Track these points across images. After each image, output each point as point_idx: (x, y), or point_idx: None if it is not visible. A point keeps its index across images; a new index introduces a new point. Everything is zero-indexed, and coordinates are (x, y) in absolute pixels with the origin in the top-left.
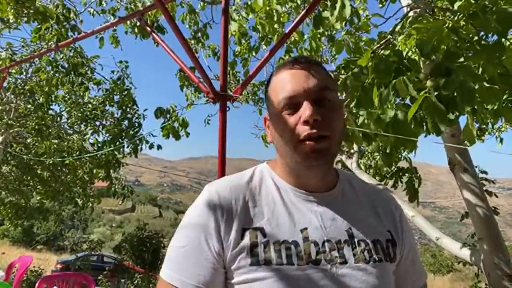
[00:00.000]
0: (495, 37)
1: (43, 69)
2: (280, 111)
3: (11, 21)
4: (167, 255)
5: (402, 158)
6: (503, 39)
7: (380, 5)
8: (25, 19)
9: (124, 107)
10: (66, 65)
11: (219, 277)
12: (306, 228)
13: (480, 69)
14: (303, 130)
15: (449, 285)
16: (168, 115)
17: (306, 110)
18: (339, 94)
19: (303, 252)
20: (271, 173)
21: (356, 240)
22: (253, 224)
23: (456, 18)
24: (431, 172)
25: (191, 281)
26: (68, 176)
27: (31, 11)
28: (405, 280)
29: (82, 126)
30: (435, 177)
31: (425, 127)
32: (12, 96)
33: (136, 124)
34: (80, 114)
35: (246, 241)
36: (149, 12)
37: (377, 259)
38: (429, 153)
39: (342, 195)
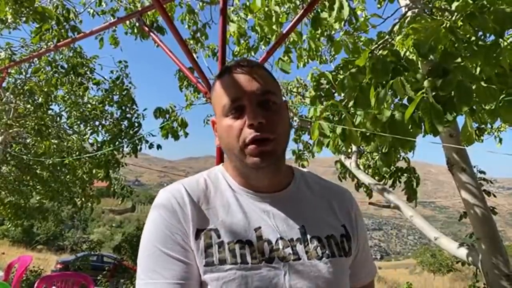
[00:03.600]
0: (493, 37)
1: (42, 69)
2: (226, 115)
3: (9, 21)
4: (139, 268)
5: (401, 158)
6: (500, 39)
7: (379, 6)
8: (24, 19)
9: (123, 107)
10: (66, 65)
11: (195, 271)
12: (259, 227)
13: (478, 69)
14: (249, 133)
15: (449, 285)
16: (167, 115)
17: (250, 113)
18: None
19: (256, 250)
20: (225, 175)
21: (308, 237)
22: (207, 226)
23: (454, 18)
24: (430, 172)
25: (173, 279)
26: (68, 176)
27: (30, 11)
28: (358, 273)
29: (82, 126)
30: (435, 177)
31: (423, 127)
32: (12, 96)
33: (136, 124)
34: (79, 114)
35: (201, 242)
36: (149, 13)
37: (330, 254)
38: (429, 153)
39: (297, 193)
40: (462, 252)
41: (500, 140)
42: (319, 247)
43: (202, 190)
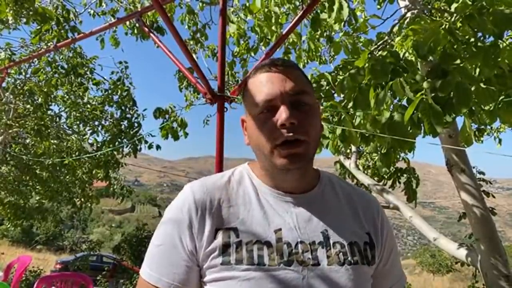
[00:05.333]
0: (492, 39)
1: (42, 69)
2: (258, 113)
3: (10, 21)
4: (146, 253)
5: (401, 158)
6: (499, 41)
7: (378, 6)
8: (24, 20)
9: (123, 107)
10: (66, 66)
11: (193, 275)
12: (280, 229)
13: (477, 70)
14: (280, 134)
15: (449, 285)
16: (167, 116)
17: (282, 113)
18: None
19: (275, 252)
20: (250, 174)
21: (331, 242)
22: (226, 224)
23: (453, 19)
24: (430, 172)
25: (166, 278)
26: (67, 177)
27: (30, 12)
28: (383, 282)
29: (81, 126)
30: (434, 177)
31: (422, 128)
32: (11, 97)
33: (136, 124)
34: (79, 115)
35: (219, 240)
36: (149, 13)
37: (352, 261)
38: (429, 153)
39: (322, 197)
40: (462, 253)
41: (500, 141)
42: (341, 253)
43: (225, 188)
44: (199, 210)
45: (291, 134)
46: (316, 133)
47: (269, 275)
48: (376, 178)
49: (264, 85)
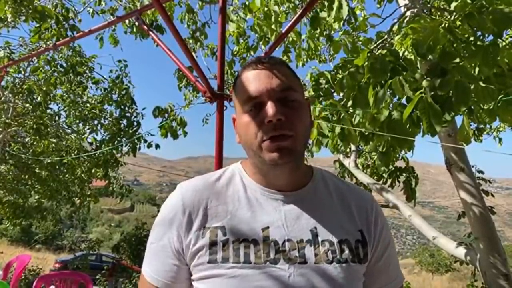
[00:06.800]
0: (491, 37)
1: (41, 68)
2: (245, 111)
3: (9, 20)
4: (146, 250)
5: (400, 157)
6: (498, 40)
7: (378, 5)
8: (24, 18)
9: (122, 106)
10: (65, 65)
11: (182, 273)
12: (267, 227)
13: (476, 69)
14: (267, 131)
15: (448, 285)
16: (166, 114)
17: (269, 109)
18: (306, 93)
19: (261, 250)
20: (241, 172)
21: (320, 239)
22: (214, 223)
23: (452, 18)
24: (430, 172)
25: (157, 276)
26: (67, 176)
27: (30, 10)
28: (376, 281)
29: (81, 125)
30: (434, 177)
31: (421, 126)
32: (10, 95)
33: (135, 123)
34: (78, 113)
35: (206, 239)
36: (148, 12)
37: (341, 259)
38: (428, 153)
39: (314, 194)
40: (460, 252)
41: (500, 140)
42: (330, 251)
43: (215, 187)
44: (186, 210)
45: (277, 131)
46: (305, 128)
47: (255, 273)
48: (375, 177)
49: (250, 83)
